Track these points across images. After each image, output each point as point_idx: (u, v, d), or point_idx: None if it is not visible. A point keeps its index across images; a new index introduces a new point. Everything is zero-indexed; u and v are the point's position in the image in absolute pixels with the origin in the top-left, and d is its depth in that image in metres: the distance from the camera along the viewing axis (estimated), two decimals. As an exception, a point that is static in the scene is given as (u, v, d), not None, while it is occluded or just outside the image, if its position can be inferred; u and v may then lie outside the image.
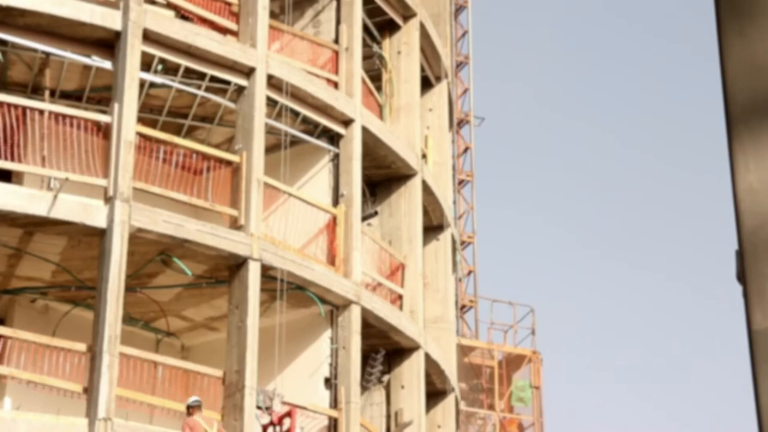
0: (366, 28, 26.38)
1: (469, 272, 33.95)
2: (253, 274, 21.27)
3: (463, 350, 31.26)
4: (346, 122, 24.25)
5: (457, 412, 27.60)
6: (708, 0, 8.35)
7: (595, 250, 68.01)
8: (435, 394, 26.60)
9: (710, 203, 63.58)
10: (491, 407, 32.35)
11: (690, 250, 66.47)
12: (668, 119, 69.54)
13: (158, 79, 22.06)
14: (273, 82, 22.79)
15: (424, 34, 28.04)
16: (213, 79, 22.40)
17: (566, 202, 68.75)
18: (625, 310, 67.36)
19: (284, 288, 21.58)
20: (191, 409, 19.75)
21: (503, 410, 32.67)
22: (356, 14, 25.30)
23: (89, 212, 20.08)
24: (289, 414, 21.02)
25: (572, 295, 66.02)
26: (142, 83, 21.54)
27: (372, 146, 24.95)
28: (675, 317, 65.98)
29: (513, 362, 33.94)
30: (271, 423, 21.00)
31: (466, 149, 37.56)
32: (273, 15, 23.95)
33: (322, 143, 24.23)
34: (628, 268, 67.20)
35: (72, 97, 22.53)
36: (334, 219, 23.57)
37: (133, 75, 20.86)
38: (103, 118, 20.91)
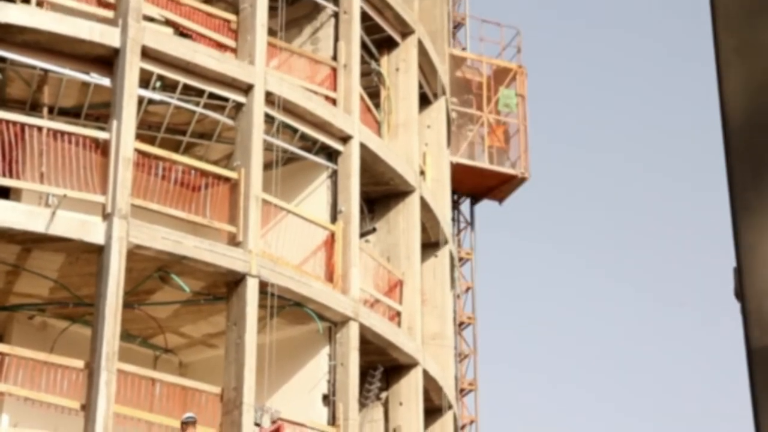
0: (364, 45, 26.41)
1: (468, 289, 33.88)
2: (251, 291, 21.26)
3: (456, 61, 34.16)
4: (345, 139, 24.27)
5: (455, 423, 27.54)
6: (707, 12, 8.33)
7: (597, 255, 67.98)
8: (433, 410, 26.55)
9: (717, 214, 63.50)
10: (480, 108, 34.56)
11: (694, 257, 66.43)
12: (674, 135, 69.52)
13: (157, 96, 22.08)
14: (271, 99, 22.82)
15: (422, 51, 28.08)
16: (211, 95, 22.43)
17: (565, 217, 68.74)
18: (626, 315, 67.33)
19: (275, 304, 21.53)
20: (184, 426, 19.77)
21: (491, 111, 35.02)
22: (354, 31, 25.33)
23: (87, 229, 20.08)
24: (277, 430, 20.90)
25: (572, 304, 65.99)
26: (140, 100, 21.56)
27: (370, 163, 24.96)
28: (680, 321, 66.05)
29: (500, 75, 35.61)
30: None
31: (464, 166, 37.48)
32: (271, 32, 23.98)
33: (320, 160, 24.23)
34: (632, 270, 67.11)
35: (70, 113, 22.54)
36: (333, 235, 23.57)
37: (131, 92, 20.88)
38: (101, 135, 20.93)
